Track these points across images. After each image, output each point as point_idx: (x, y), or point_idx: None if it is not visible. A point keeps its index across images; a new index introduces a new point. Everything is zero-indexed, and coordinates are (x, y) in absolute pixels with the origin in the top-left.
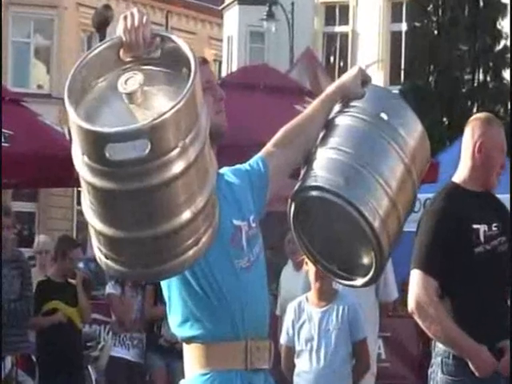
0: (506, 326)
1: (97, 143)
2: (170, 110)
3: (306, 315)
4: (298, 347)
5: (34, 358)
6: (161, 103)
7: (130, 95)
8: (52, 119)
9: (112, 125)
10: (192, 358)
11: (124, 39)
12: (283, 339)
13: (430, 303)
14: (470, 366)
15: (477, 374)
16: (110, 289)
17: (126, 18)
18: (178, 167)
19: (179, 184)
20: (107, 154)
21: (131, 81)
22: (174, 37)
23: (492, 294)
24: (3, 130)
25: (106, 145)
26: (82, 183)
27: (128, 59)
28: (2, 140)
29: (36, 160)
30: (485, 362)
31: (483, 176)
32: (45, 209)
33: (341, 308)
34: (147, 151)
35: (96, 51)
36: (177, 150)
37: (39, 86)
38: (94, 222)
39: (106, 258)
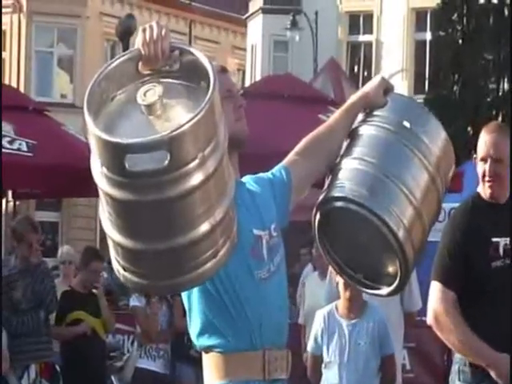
0: None
1: (116, 154)
2: (190, 121)
3: (337, 326)
4: (327, 358)
5: (58, 367)
6: (180, 115)
7: (149, 107)
8: (75, 128)
9: (131, 136)
10: (211, 368)
11: (143, 52)
12: (310, 347)
13: (448, 315)
14: (492, 374)
15: (500, 382)
16: (134, 301)
17: (144, 30)
18: (196, 179)
19: (198, 196)
20: (127, 165)
21: (150, 92)
22: (193, 49)
23: (508, 308)
24: (27, 140)
25: (126, 156)
26: (101, 195)
27: (147, 72)
28: (26, 149)
29: (59, 169)
30: (506, 369)
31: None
32: (68, 218)
33: (371, 322)
34: (166, 162)
35: (115, 64)
36: (196, 162)
37: (62, 96)
38: (113, 234)
39: (125, 270)
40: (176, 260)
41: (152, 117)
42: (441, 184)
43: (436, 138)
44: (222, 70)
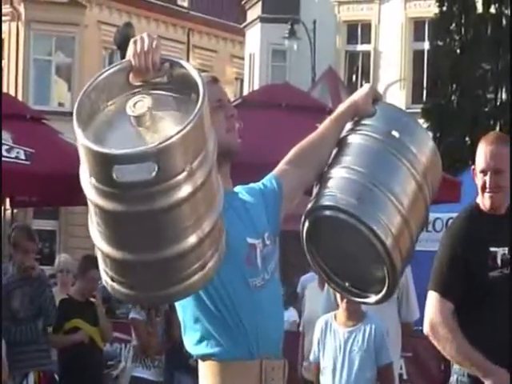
0: None
1: (104, 165)
2: (178, 133)
3: (332, 333)
4: (323, 364)
5: (56, 376)
6: (169, 127)
7: (139, 118)
8: (73, 137)
9: (120, 147)
10: (207, 376)
11: (133, 63)
12: (312, 357)
13: (445, 325)
14: None
15: None
16: (133, 314)
17: (135, 42)
18: (184, 191)
19: (186, 208)
20: (114, 176)
21: (140, 104)
22: (183, 62)
23: (506, 318)
24: (25, 148)
25: (113, 166)
26: (90, 205)
27: (137, 83)
28: (24, 158)
29: (57, 178)
30: (503, 381)
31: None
32: (66, 227)
33: (367, 331)
34: (154, 174)
35: (105, 75)
36: (184, 174)
37: (60, 104)
38: (101, 245)
39: (113, 280)
40: (163, 271)
41: (141, 128)
42: (428, 192)
43: (423, 147)
44: (213, 80)
